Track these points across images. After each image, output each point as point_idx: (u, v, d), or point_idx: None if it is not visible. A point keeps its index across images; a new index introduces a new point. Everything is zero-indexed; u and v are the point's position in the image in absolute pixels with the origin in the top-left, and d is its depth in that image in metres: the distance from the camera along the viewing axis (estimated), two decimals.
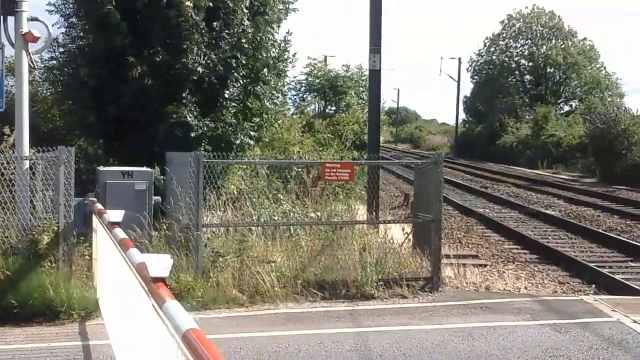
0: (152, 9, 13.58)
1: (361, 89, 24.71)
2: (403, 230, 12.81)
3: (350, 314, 9.48)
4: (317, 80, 24.77)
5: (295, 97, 22.19)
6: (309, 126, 21.24)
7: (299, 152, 16.56)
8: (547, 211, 23.46)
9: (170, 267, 4.96)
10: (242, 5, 14.37)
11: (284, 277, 10.29)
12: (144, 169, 11.35)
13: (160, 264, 4.83)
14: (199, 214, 10.21)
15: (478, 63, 77.97)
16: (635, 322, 9.05)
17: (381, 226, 13.21)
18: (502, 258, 15.39)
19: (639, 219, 21.53)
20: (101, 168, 11.55)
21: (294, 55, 17.45)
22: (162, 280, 4.69)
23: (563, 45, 71.16)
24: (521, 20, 73.48)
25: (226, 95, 14.51)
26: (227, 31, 14.29)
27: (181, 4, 13.35)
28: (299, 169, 14.39)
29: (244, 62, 14.65)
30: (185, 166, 10.48)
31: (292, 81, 20.68)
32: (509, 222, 20.78)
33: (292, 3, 16.73)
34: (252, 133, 15.23)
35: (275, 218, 12.16)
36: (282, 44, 16.78)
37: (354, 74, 25.30)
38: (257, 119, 15.63)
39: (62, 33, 15.18)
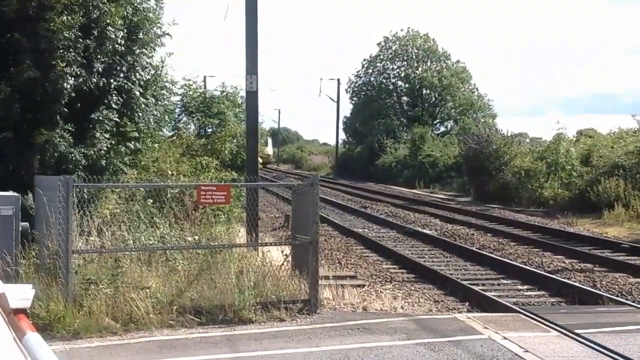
0: (22, 23, 13.10)
1: (237, 109, 24.62)
2: (282, 252, 12.77)
3: (228, 339, 9.34)
4: (193, 101, 24.50)
5: (172, 118, 21.87)
6: (188, 147, 20.98)
7: (177, 174, 16.27)
8: (424, 230, 23.98)
9: (32, 297, 4.78)
10: (115, 25, 14.07)
11: (159, 303, 10.05)
12: (10, 193, 10.85)
13: (21, 294, 4.64)
14: (68, 239, 9.86)
15: (356, 84, 79.19)
16: (505, 338, 9.30)
17: (260, 248, 13.15)
18: (380, 278, 15.57)
19: (511, 237, 22.33)
20: None
21: (171, 79, 17.21)
22: (23, 311, 4.52)
23: (438, 68, 73.27)
24: (397, 43, 75.15)
25: (99, 118, 14.13)
26: (101, 51, 13.95)
27: (51, 19, 12.94)
28: (176, 192, 14.14)
29: (117, 83, 14.33)
30: (55, 190, 10.11)
31: (171, 103, 20.37)
32: (387, 242, 21.11)
33: (169, 27, 16.54)
34: (127, 158, 14.89)
35: (152, 242, 11.90)
36: (159, 67, 16.51)
37: (230, 95, 25.18)
38: (133, 143, 15.30)
39: None
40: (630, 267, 16.49)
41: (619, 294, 13.80)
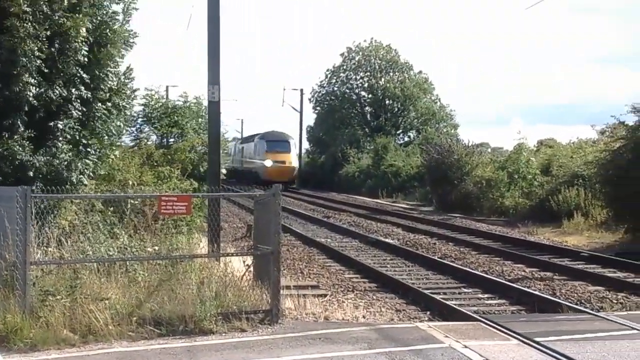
0: None
1: (200, 119, 24.51)
2: (244, 262, 12.74)
3: (188, 351, 9.27)
4: (155, 112, 24.32)
5: (133, 128, 21.70)
6: (149, 158, 20.83)
7: (138, 185, 16.12)
8: (387, 240, 24.04)
9: None
10: (80, 36, 13.92)
11: (118, 315, 9.94)
12: None
13: None
14: (26, 251, 9.74)
15: (320, 94, 79.38)
16: (465, 347, 9.35)
17: (222, 258, 13.12)
18: (342, 287, 15.58)
19: (472, 246, 22.49)
20: None
21: (134, 91, 16.98)
22: None
23: (400, 78, 73.75)
24: (360, 53, 75.55)
25: (60, 127, 13.96)
26: (63, 61, 13.80)
27: (14, 29, 12.79)
28: (137, 202, 14.03)
29: (80, 93, 14.17)
30: (13, 201, 9.98)
31: (133, 113, 20.16)
32: (349, 252, 21.13)
33: (133, 37, 16.37)
34: (87, 169, 14.70)
35: (111, 253, 11.79)
36: (122, 78, 16.33)
37: (193, 105, 25.07)
38: (94, 154, 15.11)
39: None
40: (589, 275, 16.70)
41: (578, 302, 13.96)
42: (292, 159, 63.60)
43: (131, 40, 16.26)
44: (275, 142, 62.13)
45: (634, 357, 9.15)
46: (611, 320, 11.36)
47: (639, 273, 17.04)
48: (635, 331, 10.51)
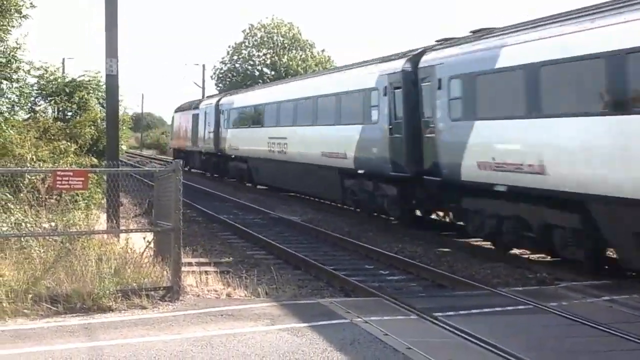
0: None
1: (101, 93, 23.83)
2: (145, 238, 12.52)
3: (86, 328, 9.05)
4: (51, 84, 23.51)
5: (28, 101, 20.80)
6: (46, 132, 20.18)
7: (32, 159, 15.58)
8: (291, 217, 24.05)
9: None
10: None
11: (13, 292, 9.65)
12: None
13: None
14: None
15: (222, 70, 78.68)
16: (366, 322, 9.43)
17: (122, 235, 12.85)
18: (245, 264, 15.51)
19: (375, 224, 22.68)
20: None
21: (29, 62, 16.36)
22: None
23: (303, 56, 73.74)
24: (262, 30, 75.20)
25: None
26: None
27: None
28: (32, 177, 13.58)
29: None
30: None
31: (27, 85, 19.33)
32: (253, 228, 21.02)
33: (26, 9, 15.74)
34: None
35: (5, 229, 11.40)
36: (13, 50, 15.68)
37: (93, 79, 24.35)
38: None
39: None
40: (486, 252, 17.07)
41: (476, 279, 14.22)
42: None
43: (25, 13, 15.62)
44: None
45: (485, 328, 9.31)
46: (507, 296, 11.66)
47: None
48: (530, 306, 10.83)
